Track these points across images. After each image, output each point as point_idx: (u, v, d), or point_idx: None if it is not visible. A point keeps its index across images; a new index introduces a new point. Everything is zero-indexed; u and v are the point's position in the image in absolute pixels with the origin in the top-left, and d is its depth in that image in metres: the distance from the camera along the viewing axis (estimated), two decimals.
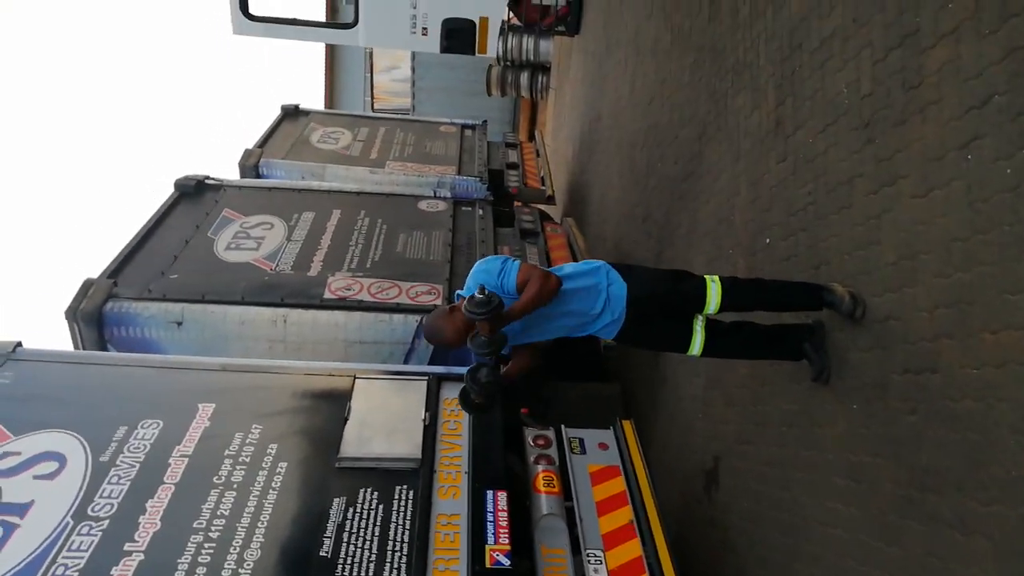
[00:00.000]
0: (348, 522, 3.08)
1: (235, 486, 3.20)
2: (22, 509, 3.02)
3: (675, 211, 4.99)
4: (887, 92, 2.62)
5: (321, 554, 2.93)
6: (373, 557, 2.94)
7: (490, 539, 3.14)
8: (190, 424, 3.52)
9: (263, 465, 3.32)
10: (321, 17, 15.20)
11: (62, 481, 3.16)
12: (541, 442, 3.88)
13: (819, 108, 3.10)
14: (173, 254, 5.34)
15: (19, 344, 3.94)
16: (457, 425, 3.74)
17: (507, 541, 3.13)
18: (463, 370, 4.27)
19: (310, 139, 8.52)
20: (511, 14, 10.57)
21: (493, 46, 10.45)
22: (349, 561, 2.91)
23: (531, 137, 11.51)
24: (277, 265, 5.27)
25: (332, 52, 18.61)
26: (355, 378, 3.90)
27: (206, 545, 2.92)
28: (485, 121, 9.57)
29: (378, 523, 3.09)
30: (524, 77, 12.18)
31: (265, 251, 5.44)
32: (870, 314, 2.69)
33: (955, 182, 2.27)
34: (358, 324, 4.73)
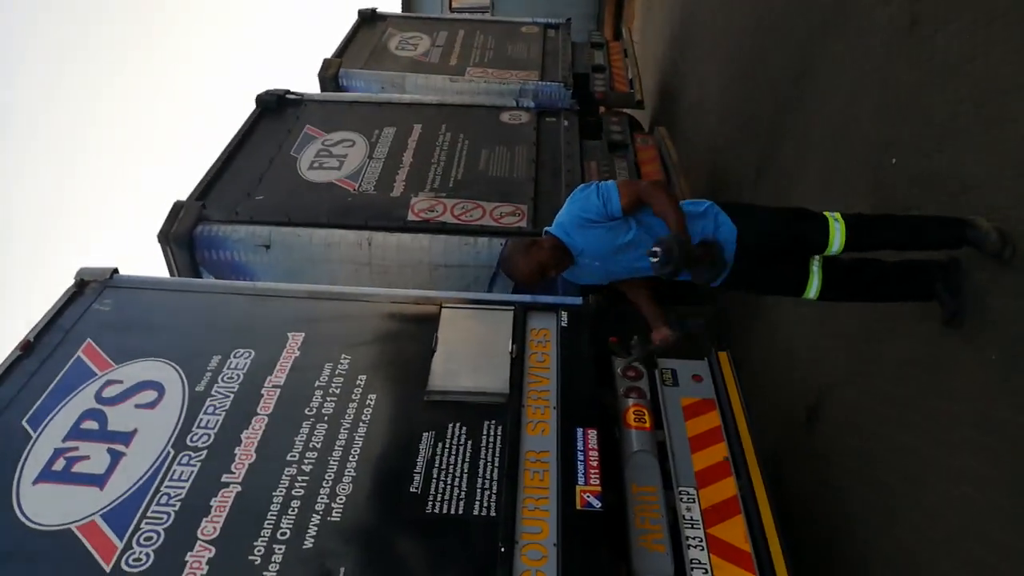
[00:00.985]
0: (438, 458, 3.04)
1: (326, 419, 3.20)
2: (127, 437, 3.12)
3: (783, 113, 4.54)
4: None
5: (411, 490, 2.91)
6: (463, 495, 2.91)
7: (580, 479, 3.05)
8: (281, 354, 3.53)
9: (353, 397, 3.31)
10: None
11: (162, 410, 3.24)
12: (632, 374, 3.72)
13: (971, 2, 2.63)
14: (258, 174, 5.30)
15: (116, 271, 4.01)
16: (545, 357, 3.62)
17: (597, 482, 3.04)
18: (551, 299, 4.14)
19: (388, 46, 8.25)
20: None
21: None
22: (439, 498, 2.89)
23: (617, 35, 10.80)
24: (360, 185, 5.17)
25: None
26: (441, 307, 3.80)
27: (299, 478, 2.95)
28: (569, 20, 9.02)
29: (467, 459, 3.05)
30: None
31: (348, 170, 5.34)
32: (1022, 254, 2.34)
33: None
34: (442, 247, 4.61)
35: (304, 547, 2.69)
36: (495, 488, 2.94)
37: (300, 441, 3.10)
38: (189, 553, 2.68)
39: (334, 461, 3.02)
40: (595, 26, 13.53)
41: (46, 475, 2.99)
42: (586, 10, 14.21)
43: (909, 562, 2.86)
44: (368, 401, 3.29)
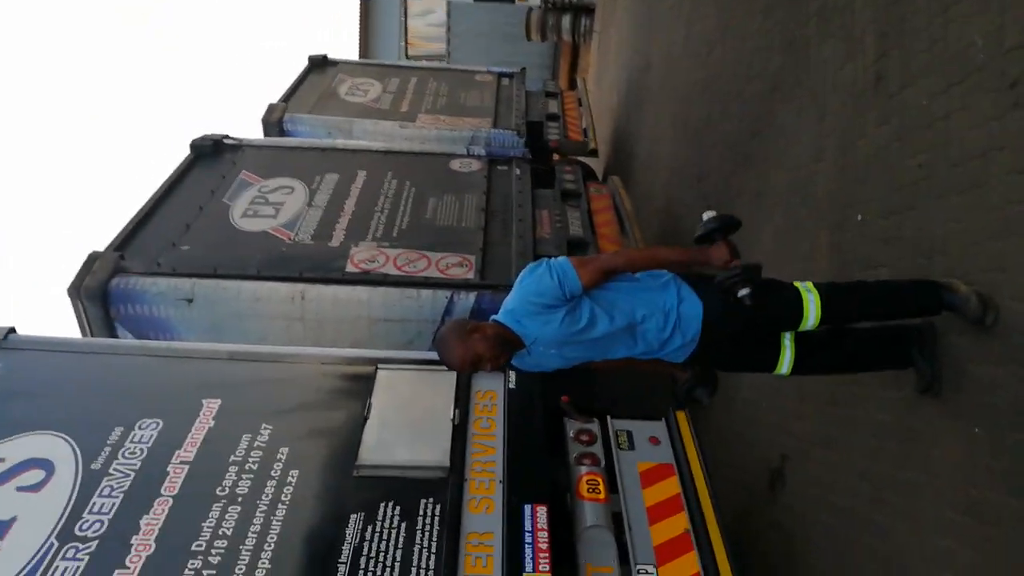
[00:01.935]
0: (366, 544, 2.68)
1: (239, 500, 2.82)
2: (3, 527, 2.69)
3: (738, 174, 4.40)
4: None
5: None
6: None
7: (528, 564, 2.73)
8: (193, 424, 3.14)
9: (272, 474, 2.94)
10: None
11: (48, 493, 2.81)
12: (585, 438, 3.44)
13: (939, 63, 2.50)
14: (185, 223, 4.94)
15: (12, 330, 3.59)
16: (490, 423, 3.31)
17: (547, 568, 2.72)
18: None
19: (338, 91, 8.02)
20: None
21: None
22: None
23: (572, 85, 10.81)
24: (296, 234, 4.84)
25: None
26: (376, 368, 3.48)
27: (205, 572, 2.55)
28: (523, 69, 8.94)
29: (400, 545, 2.70)
30: (566, 20, 11.42)
31: (284, 219, 5.01)
32: (1004, 321, 2.15)
33: None
34: (383, 300, 4.30)
35: None
36: None
37: (208, 527, 2.71)
38: None
39: (246, 550, 2.63)
40: (550, 76, 13.60)
41: None
42: (541, 61, 14.32)
43: None
44: (289, 479, 2.92)
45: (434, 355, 4.02)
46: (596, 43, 11.28)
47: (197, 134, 6.08)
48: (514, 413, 3.35)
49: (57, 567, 2.55)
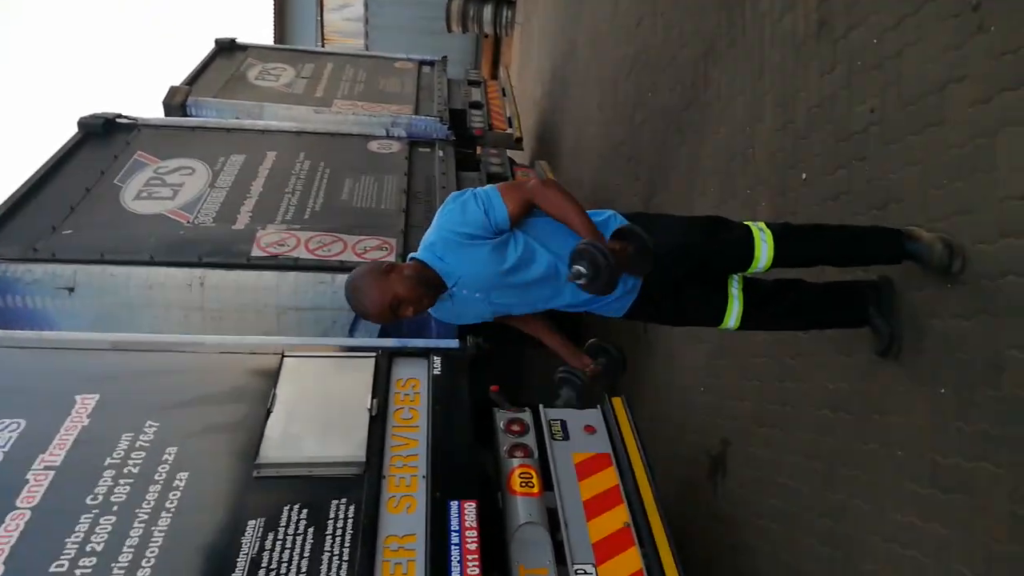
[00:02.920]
0: (266, 554, 2.31)
1: (115, 509, 2.40)
2: None
3: (671, 148, 4.21)
4: None
5: None
6: None
7: (455, 568, 2.41)
8: (62, 423, 2.70)
9: (156, 478, 2.52)
10: None
11: None
12: (516, 428, 3.15)
13: None
14: (70, 205, 4.42)
15: None
16: (413, 414, 2.98)
17: (477, 571, 2.41)
18: (421, 343, 3.53)
19: (247, 76, 7.49)
20: None
21: None
22: None
23: (495, 76, 10.56)
24: (196, 217, 4.38)
25: None
26: (283, 356, 3.10)
27: None
28: (445, 57, 8.61)
29: (306, 554, 2.34)
30: (487, 11, 11.16)
31: (182, 200, 4.54)
32: (971, 267, 1.96)
33: None
34: (292, 286, 3.90)
35: None
36: None
37: (74, 542, 2.28)
38: None
39: (120, 568, 2.22)
40: (472, 66, 13.32)
41: None
42: (463, 56, 14.01)
43: None
44: (176, 482, 2.51)
45: (349, 341, 3.72)
46: (518, 35, 11.07)
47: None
48: (439, 402, 3.03)
49: None
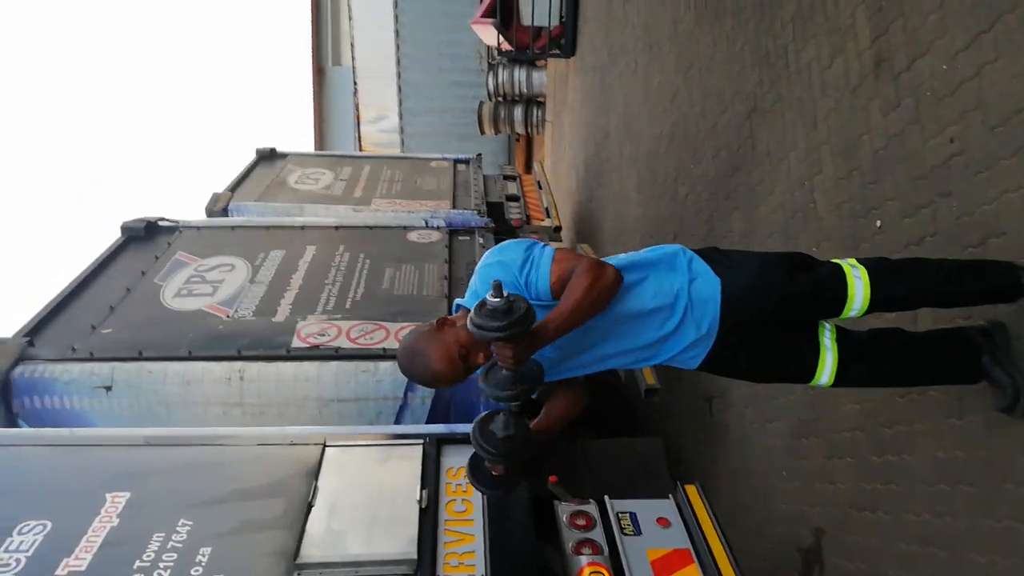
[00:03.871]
0: None
1: None
2: None
3: (721, 215, 4.04)
4: None
5: None
6: None
7: None
8: (91, 524, 2.50)
9: None
10: None
11: None
12: (582, 522, 2.84)
13: (955, 18, 2.18)
14: (109, 305, 4.37)
15: None
16: (467, 506, 2.71)
17: None
18: (470, 428, 3.29)
19: (287, 180, 7.66)
20: (501, 39, 9.86)
21: None
22: None
23: (529, 171, 10.71)
24: (236, 311, 4.30)
25: (320, 104, 18.11)
26: (324, 446, 2.89)
27: None
28: (479, 154, 8.74)
29: None
30: (518, 111, 11.44)
31: (222, 296, 4.48)
32: None
33: None
34: (334, 376, 3.73)
35: None
36: None
37: None
38: None
39: None
40: (506, 161, 13.57)
41: None
42: (496, 157, 14.33)
43: None
44: None
45: (394, 429, 3.49)
46: (549, 132, 11.27)
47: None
48: (494, 496, 2.76)
49: None
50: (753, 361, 1.90)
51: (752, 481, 3.59)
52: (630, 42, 6.34)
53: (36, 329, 4.12)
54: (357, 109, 16.25)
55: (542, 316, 1.69)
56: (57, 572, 2.30)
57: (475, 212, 6.60)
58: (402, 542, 2.44)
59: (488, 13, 9.79)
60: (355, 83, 15.71)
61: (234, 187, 7.28)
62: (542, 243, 1.82)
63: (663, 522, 2.87)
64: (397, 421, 3.69)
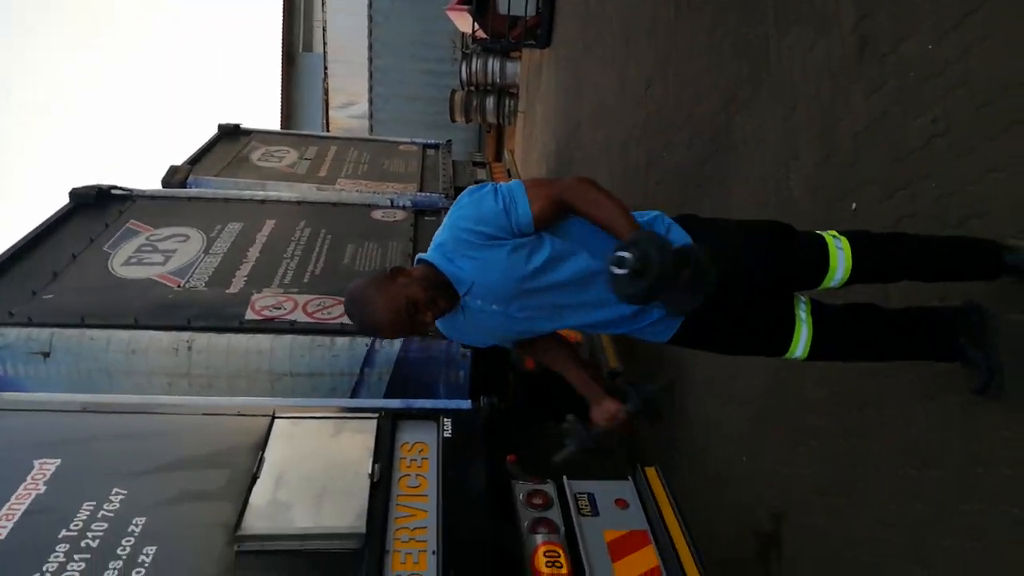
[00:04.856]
0: None
1: None
2: None
3: (692, 203, 3.99)
4: None
5: None
6: None
7: None
8: (14, 492, 2.33)
9: (118, 552, 2.13)
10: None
11: None
12: (538, 501, 2.77)
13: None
14: (53, 271, 4.16)
15: None
16: (421, 481, 2.60)
17: None
18: (430, 404, 3.18)
19: (250, 157, 7.44)
20: (476, 27, 9.74)
21: None
22: None
23: (499, 160, 10.60)
24: (187, 281, 4.11)
25: (288, 89, 17.78)
26: (273, 417, 2.75)
27: None
28: (449, 140, 8.61)
29: None
30: (490, 101, 11.32)
31: (174, 266, 4.28)
32: None
33: None
34: (288, 350, 3.58)
35: None
36: None
37: None
38: None
39: None
40: (476, 149, 13.45)
41: None
42: (466, 144, 14.18)
43: None
44: (141, 557, 2.12)
45: (348, 402, 3.36)
46: (521, 122, 11.18)
47: None
48: (450, 468, 2.67)
49: None
50: (728, 334, 1.83)
51: (713, 465, 3.54)
52: (607, 33, 6.28)
53: None
54: (326, 94, 15.99)
55: (519, 256, 1.64)
56: None
57: (443, 195, 6.48)
58: (351, 515, 2.32)
59: (464, 0, 9.66)
60: (325, 68, 15.44)
61: (194, 161, 7.04)
62: (494, 183, 1.73)
63: (621, 503, 2.82)
64: (353, 396, 3.55)
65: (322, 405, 2.99)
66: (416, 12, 13.70)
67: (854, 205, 2.53)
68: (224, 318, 3.73)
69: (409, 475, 2.61)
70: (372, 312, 1.65)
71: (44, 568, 2.05)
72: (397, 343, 3.58)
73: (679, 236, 1.74)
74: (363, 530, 2.27)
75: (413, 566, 2.25)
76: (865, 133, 2.49)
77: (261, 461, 2.51)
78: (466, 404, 2.97)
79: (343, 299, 1.79)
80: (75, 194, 5.16)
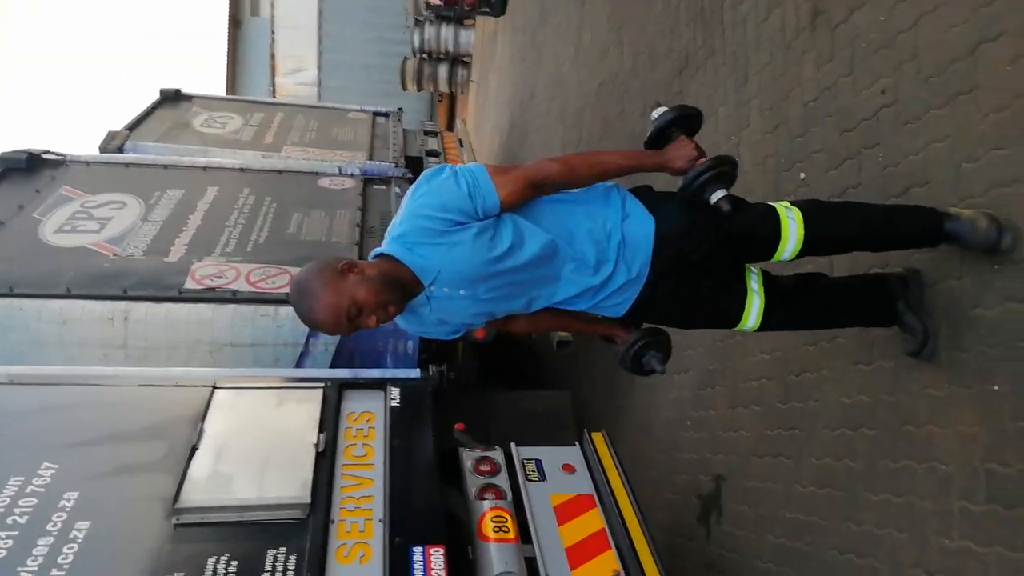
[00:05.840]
0: None
1: None
2: None
3: (639, 176, 3.97)
4: None
5: None
6: None
7: None
8: None
9: (48, 528, 2.05)
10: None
11: None
12: (486, 468, 2.76)
13: None
14: None
15: None
16: (367, 451, 2.56)
17: None
18: (377, 373, 3.12)
19: (192, 123, 7.17)
20: None
21: None
22: None
23: (451, 129, 10.47)
24: (124, 250, 3.95)
25: (234, 55, 17.20)
26: (214, 388, 2.67)
27: None
28: (400, 108, 8.44)
29: None
30: (442, 70, 11.15)
31: (110, 233, 4.11)
32: (1022, 244, 1.71)
33: None
34: (230, 320, 3.48)
35: None
36: None
37: None
38: None
39: None
40: (428, 118, 13.27)
41: None
42: (418, 113, 13.98)
43: None
44: (73, 533, 2.03)
45: (292, 372, 3.29)
46: (474, 92, 11.04)
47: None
48: (397, 437, 2.64)
49: None
50: (682, 307, 1.83)
51: (658, 431, 3.58)
52: (563, 0, 6.20)
53: None
54: (273, 59, 15.54)
55: (484, 239, 1.61)
56: None
57: (392, 164, 6.36)
58: (295, 486, 2.27)
59: None
60: (272, 33, 14.98)
61: (133, 126, 6.75)
62: (452, 166, 1.67)
63: (568, 468, 2.84)
64: (298, 367, 3.48)
65: (265, 375, 2.91)
66: None
67: (803, 175, 2.55)
68: (163, 287, 3.60)
69: (355, 444, 2.57)
70: (312, 309, 1.56)
71: None
72: None
73: (635, 208, 1.72)
74: (307, 500, 2.23)
75: (359, 534, 2.22)
76: (815, 104, 2.51)
77: (201, 432, 2.43)
78: (415, 373, 2.93)
79: (289, 282, 1.71)
80: (4, 159, 4.88)
